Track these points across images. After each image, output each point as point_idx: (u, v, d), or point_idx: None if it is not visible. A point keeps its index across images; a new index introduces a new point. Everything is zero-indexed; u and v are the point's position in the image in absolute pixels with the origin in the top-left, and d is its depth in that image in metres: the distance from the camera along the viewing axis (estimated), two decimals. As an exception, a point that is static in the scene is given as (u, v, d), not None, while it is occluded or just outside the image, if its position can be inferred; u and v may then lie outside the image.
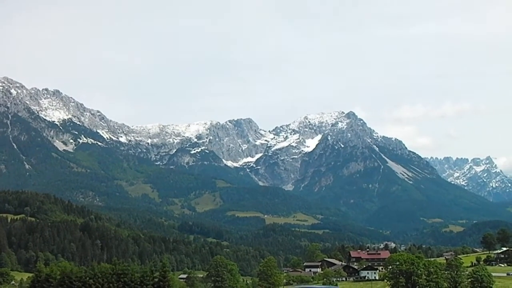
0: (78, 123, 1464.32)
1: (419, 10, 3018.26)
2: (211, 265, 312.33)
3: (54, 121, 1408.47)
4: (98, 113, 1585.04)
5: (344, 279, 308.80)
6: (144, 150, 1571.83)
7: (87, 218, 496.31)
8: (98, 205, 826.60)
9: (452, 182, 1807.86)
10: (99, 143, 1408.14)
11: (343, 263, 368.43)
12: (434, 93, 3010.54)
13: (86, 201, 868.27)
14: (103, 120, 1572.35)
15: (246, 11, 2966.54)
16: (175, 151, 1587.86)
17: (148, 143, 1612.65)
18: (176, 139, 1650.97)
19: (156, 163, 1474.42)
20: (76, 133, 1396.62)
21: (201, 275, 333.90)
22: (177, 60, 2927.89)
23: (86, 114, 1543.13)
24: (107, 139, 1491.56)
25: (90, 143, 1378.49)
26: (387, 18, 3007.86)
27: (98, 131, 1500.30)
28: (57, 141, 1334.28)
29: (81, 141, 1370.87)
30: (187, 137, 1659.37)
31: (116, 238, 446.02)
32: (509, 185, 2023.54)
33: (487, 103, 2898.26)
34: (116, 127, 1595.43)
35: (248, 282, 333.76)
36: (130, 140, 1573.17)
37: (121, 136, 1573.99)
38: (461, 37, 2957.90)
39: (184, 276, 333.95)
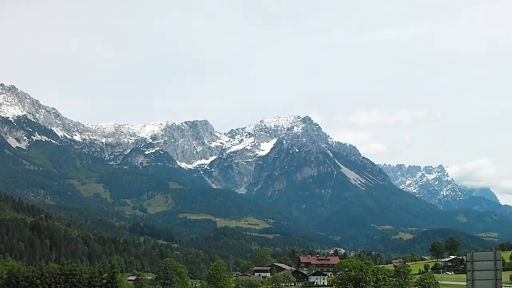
0: (32, 120, 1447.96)
1: (380, 17, 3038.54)
2: (160, 268, 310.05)
3: (8, 118, 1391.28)
4: (53, 111, 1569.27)
5: (293, 284, 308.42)
6: (98, 149, 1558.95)
7: (37, 216, 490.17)
8: (49, 204, 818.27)
9: (404, 190, 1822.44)
10: (53, 141, 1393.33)
11: (293, 268, 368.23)
12: (390, 100, 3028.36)
13: (37, 199, 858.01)
14: (58, 118, 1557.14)
15: (205, 13, 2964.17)
16: (129, 151, 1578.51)
17: (102, 142, 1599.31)
18: (131, 139, 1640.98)
19: (110, 163, 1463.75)
20: (30, 130, 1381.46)
21: (150, 277, 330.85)
22: (135, 60, 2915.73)
23: (41, 111, 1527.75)
24: (61, 137, 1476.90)
25: (44, 140, 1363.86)
26: (347, 24, 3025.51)
27: (52, 128, 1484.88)
28: (10, 137, 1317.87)
29: (35, 138, 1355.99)
30: (142, 137, 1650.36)
31: (66, 238, 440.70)
32: (460, 193, 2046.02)
33: (443, 111, 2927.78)
34: (71, 125, 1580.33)
35: (197, 285, 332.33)
36: (84, 139, 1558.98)
37: (76, 135, 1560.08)
38: (419, 45, 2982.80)
39: (133, 278, 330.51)
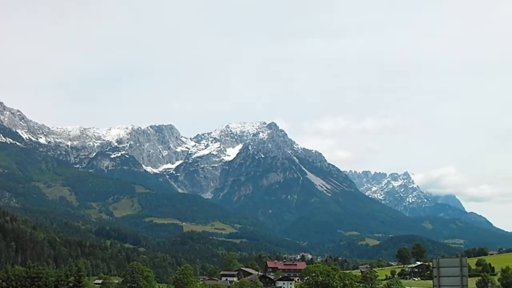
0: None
1: (347, 25, 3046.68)
2: (127, 271, 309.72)
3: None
4: (18, 113, 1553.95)
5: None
6: (64, 152, 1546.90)
7: (2, 219, 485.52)
8: (15, 207, 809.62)
9: (370, 196, 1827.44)
10: (17, 143, 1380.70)
11: (260, 273, 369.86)
12: (356, 108, 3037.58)
13: (2, 202, 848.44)
14: (23, 120, 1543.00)
15: (172, 19, 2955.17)
16: (95, 155, 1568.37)
17: (68, 145, 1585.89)
18: (96, 143, 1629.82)
19: (75, 166, 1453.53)
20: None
21: (117, 281, 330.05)
22: (101, 63, 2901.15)
23: (6, 113, 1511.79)
24: (26, 139, 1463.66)
25: (8, 142, 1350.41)
26: (315, 32, 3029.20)
27: (17, 130, 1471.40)
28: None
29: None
30: (108, 141, 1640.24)
31: (32, 240, 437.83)
32: (425, 200, 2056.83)
33: (408, 120, 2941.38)
34: (36, 127, 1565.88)
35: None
36: (49, 142, 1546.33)
37: (41, 137, 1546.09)
38: (385, 54, 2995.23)
39: (100, 281, 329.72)
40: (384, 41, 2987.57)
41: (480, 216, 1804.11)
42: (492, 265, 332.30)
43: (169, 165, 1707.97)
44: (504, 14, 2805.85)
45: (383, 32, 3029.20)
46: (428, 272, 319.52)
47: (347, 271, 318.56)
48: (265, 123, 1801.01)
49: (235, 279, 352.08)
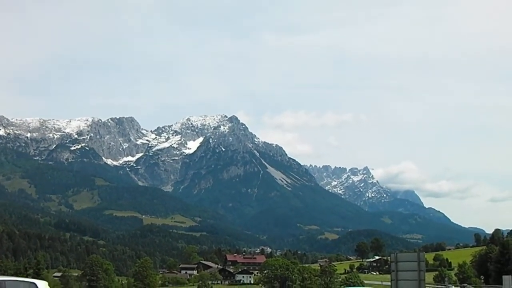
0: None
1: (308, 21, 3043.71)
2: (86, 264, 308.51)
3: None
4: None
5: (219, 282, 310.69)
6: (23, 144, 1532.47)
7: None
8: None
9: (330, 191, 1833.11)
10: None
11: (219, 266, 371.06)
12: (316, 103, 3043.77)
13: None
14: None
15: (134, 12, 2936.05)
16: (54, 147, 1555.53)
17: (27, 137, 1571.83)
18: (56, 135, 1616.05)
19: (35, 158, 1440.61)
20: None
21: (76, 274, 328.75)
22: (61, 55, 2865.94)
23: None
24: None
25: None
26: (276, 25, 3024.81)
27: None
28: None
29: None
30: (68, 133, 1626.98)
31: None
32: (385, 195, 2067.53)
33: (368, 116, 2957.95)
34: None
35: (123, 282, 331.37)
36: (8, 133, 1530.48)
37: (0, 129, 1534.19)
38: (345, 50, 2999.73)
39: (59, 274, 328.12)
40: (341, 37, 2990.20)
41: (438, 211, 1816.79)
42: (449, 260, 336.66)
43: (129, 158, 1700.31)
44: (463, 12, 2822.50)
45: (340, 28, 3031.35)
46: (386, 266, 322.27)
47: (306, 265, 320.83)
48: (226, 117, 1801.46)
49: (194, 272, 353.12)
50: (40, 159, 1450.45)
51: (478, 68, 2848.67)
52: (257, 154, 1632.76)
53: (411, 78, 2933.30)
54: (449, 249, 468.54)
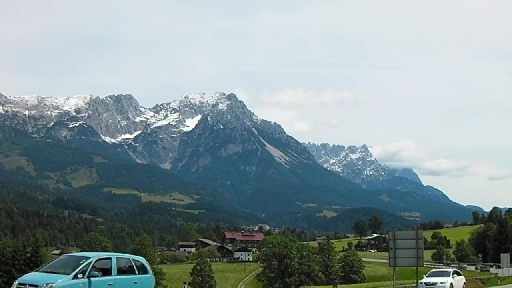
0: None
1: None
2: (85, 242, 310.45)
3: None
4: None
5: (218, 259, 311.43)
6: (21, 122, 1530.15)
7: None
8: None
9: (328, 168, 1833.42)
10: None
11: (218, 244, 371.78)
12: (315, 81, 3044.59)
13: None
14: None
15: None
16: (52, 124, 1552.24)
17: (25, 115, 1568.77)
18: (54, 112, 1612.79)
19: (33, 136, 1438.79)
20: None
21: (75, 251, 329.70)
22: (59, 33, 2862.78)
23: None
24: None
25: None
26: (273, 4, 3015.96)
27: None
28: None
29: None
30: (66, 110, 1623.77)
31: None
32: (383, 173, 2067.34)
33: (366, 93, 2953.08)
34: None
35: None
36: (6, 111, 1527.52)
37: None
38: (345, 28, 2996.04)
39: (57, 252, 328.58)
40: (340, 14, 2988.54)
41: (437, 189, 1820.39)
42: (447, 238, 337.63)
43: (127, 135, 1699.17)
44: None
45: (339, 5, 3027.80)
46: (385, 244, 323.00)
47: (305, 243, 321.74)
48: (225, 94, 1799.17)
49: (193, 249, 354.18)
50: (38, 136, 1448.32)
51: (477, 46, 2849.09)
52: (256, 131, 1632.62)
53: (410, 56, 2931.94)
54: (447, 227, 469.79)
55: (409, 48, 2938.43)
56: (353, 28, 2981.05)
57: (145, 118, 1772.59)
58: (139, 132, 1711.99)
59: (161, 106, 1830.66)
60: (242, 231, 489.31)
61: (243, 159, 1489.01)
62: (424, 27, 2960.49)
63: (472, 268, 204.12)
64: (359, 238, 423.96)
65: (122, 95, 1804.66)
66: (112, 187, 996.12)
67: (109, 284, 31.44)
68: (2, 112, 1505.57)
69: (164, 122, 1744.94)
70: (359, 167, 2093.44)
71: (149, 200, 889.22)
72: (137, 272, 33.84)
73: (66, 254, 34.99)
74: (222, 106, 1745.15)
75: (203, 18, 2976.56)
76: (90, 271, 30.31)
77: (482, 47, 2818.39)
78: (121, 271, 32.62)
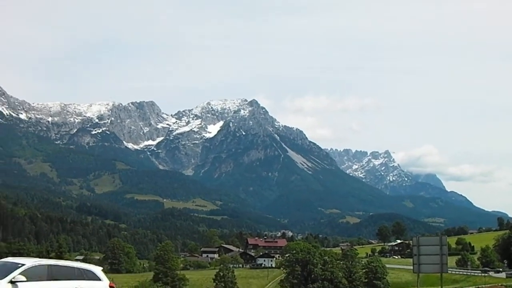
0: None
1: (330, 3, 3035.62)
2: (108, 247, 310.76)
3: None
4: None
5: (241, 265, 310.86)
6: (45, 129, 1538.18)
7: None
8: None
9: (351, 174, 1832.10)
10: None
11: (240, 250, 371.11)
12: (338, 87, 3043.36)
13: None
14: (3, 96, 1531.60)
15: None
16: (75, 131, 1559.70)
17: (48, 121, 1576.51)
18: (77, 119, 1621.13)
19: (56, 142, 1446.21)
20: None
21: (98, 257, 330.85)
22: (81, 39, 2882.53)
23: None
24: (7, 115, 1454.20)
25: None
26: (296, 8, 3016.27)
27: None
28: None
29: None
30: (89, 117, 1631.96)
31: (13, 216, 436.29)
32: (406, 179, 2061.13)
33: (389, 99, 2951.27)
34: (16, 103, 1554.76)
35: (145, 265, 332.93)
36: (30, 118, 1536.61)
37: (21, 113, 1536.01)
38: (368, 33, 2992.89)
39: (81, 257, 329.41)
40: (363, 19, 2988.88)
41: (461, 195, 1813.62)
42: (472, 244, 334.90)
43: (150, 142, 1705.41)
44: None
45: (362, 10, 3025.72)
46: (408, 250, 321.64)
47: (328, 249, 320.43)
48: (246, 100, 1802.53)
49: (216, 255, 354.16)
50: (61, 143, 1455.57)
51: (499, 47, 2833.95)
52: (278, 138, 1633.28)
53: (433, 60, 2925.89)
54: (472, 233, 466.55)
55: (431, 52, 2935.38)
56: (375, 33, 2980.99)
57: (168, 124, 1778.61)
58: (161, 138, 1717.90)
59: (183, 113, 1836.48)
60: (265, 237, 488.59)
61: (266, 165, 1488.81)
62: (447, 30, 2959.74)
63: (501, 274, 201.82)
64: (382, 244, 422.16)
65: (144, 101, 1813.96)
66: (135, 193, 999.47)
67: None
68: (26, 118, 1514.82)
69: (186, 129, 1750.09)
70: (382, 173, 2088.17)
71: (171, 206, 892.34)
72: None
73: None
74: (244, 112, 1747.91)
75: (226, 24, 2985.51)
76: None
77: (505, 49, 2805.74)
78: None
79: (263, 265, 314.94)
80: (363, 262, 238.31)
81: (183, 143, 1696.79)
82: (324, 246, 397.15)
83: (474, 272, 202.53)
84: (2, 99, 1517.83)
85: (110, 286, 34.71)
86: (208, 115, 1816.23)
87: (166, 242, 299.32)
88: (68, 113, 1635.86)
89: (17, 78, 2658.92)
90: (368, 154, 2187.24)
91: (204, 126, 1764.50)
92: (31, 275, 30.99)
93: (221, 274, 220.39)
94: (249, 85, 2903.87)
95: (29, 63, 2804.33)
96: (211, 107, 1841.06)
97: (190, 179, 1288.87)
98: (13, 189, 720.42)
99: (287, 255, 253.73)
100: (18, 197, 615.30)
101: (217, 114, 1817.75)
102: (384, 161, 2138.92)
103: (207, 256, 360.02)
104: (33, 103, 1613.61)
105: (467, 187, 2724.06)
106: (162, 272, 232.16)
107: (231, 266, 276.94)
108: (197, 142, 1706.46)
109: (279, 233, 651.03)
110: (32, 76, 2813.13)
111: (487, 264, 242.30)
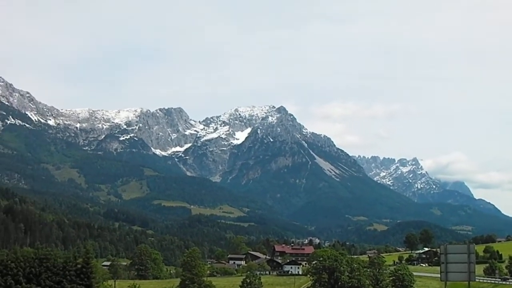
0: (6, 103, 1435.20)
1: (357, 10, 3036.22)
2: (135, 253, 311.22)
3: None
4: (27, 95, 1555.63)
5: (267, 272, 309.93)
6: (73, 135, 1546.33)
7: (11, 200, 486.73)
8: (23, 188, 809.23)
9: (378, 181, 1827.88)
10: (27, 125, 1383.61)
11: (267, 257, 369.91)
12: (366, 93, 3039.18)
13: (11, 183, 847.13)
14: (32, 102, 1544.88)
15: (182, 4, 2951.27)
16: (103, 137, 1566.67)
17: (76, 128, 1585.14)
18: (105, 125, 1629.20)
19: (84, 148, 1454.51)
20: (4, 113, 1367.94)
21: (125, 263, 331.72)
22: (110, 45, 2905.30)
23: (15, 95, 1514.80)
24: (36, 121, 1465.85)
25: (18, 124, 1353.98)
26: (324, 15, 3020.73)
27: (26, 112, 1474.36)
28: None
29: (8, 122, 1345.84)
30: (117, 123, 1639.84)
31: (40, 222, 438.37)
32: (434, 186, 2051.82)
33: (417, 106, 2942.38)
34: (45, 109, 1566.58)
35: (171, 271, 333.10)
36: (58, 124, 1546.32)
37: (50, 119, 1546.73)
38: (395, 40, 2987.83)
39: (108, 263, 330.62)
40: (390, 26, 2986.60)
41: (489, 203, 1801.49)
42: (500, 252, 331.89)
43: (177, 148, 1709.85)
44: (507, 2, 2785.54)
45: (389, 17, 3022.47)
46: (436, 258, 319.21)
47: (355, 256, 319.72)
48: (274, 107, 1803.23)
49: (242, 262, 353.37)
50: (89, 149, 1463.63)
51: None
52: (305, 144, 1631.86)
53: (461, 67, 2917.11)
54: (500, 241, 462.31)
55: (459, 59, 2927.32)
56: (403, 40, 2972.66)
57: (195, 131, 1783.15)
58: (189, 145, 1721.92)
59: (211, 119, 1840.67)
60: (292, 244, 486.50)
61: (293, 172, 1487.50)
62: (474, 38, 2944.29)
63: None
64: (410, 252, 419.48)
65: (172, 108, 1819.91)
66: (162, 200, 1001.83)
67: None
68: (54, 125, 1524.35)
69: (214, 135, 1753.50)
70: (410, 180, 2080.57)
71: (199, 212, 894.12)
72: None
73: None
74: (271, 119, 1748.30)
75: (253, 30, 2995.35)
76: None
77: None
78: None
79: (290, 272, 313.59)
80: (390, 270, 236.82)
81: (210, 149, 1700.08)
82: (351, 254, 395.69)
83: (502, 281, 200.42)
84: (31, 105, 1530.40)
85: None
86: (236, 121, 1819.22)
87: (193, 249, 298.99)
88: (96, 119, 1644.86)
89: (46, 84, 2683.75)
90: (396, 161, 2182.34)
91: (232, 132, 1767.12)
92: None
93: (248, 281, 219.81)
94: (277, 91, 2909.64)
95: (58, 70, 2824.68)
96: (239, 114, 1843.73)
97: (217, 185, 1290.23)
98: (41, 195, 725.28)
99: (314, 262, 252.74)
100: (46, 203, 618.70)
101: (245, 120, 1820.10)
102: (412, 169, 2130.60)
103: (234, 262, 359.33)
104: (62, 109, 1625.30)
105: (495, 195, 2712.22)
106: (188, 278, 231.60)
107: (258, 273, 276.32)
108: (224, 148, 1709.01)
109: (306, 240, 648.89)
110: (61, 82, 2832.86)
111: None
